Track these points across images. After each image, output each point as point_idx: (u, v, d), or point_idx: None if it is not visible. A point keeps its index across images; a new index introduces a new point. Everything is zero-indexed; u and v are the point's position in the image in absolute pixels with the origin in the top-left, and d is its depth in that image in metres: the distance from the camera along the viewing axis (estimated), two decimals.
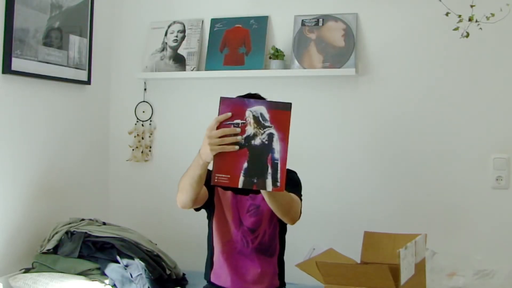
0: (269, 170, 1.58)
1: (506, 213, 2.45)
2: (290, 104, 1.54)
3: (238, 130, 1.58)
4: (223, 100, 1.62)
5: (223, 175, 1.63)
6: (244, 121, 1.58)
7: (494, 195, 2.48)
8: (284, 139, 1.59)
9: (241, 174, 1.61)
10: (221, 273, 2.07)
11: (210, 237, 2.13)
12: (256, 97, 2.08)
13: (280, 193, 1.78)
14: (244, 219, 2.07)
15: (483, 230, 2.47)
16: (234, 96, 2.12)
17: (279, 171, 1.59)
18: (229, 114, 1.60)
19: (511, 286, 1.91)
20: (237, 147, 1.59)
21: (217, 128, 1.62)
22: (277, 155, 1.58)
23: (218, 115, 1.63)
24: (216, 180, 1.64)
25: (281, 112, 1.59)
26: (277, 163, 1.58)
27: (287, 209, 1.89)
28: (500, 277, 1.94)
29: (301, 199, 2.05)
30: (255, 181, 1.60)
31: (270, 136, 1.58)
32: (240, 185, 1.62)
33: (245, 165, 1.60)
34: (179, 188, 1.90)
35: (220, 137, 1.60)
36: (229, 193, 2.08)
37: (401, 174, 2.60)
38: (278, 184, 1.59)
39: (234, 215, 2.08)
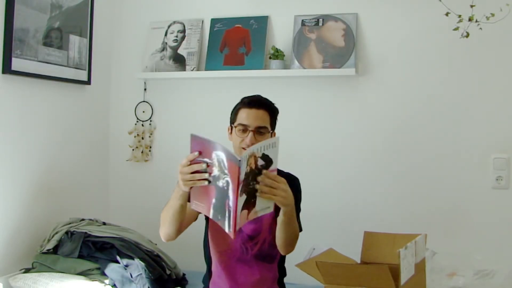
0: (226, 214, 1.59)
1: (506, 213, 2.45)
2: (240, 160, 1.53)
3: (204, 166, 1.60)
4: (193, 137, 1.64)
5: (199, 203, 1.68)
6: (211, 162, 1.58)
7: (494, 195, 2.48)
8: (235, 191, 1.55)
9: (211, 207, 1.64)
10: (219, 282, 2.05)
11: (207, 247, 2.10)
12: (255, 99, 2.04)
13: (291, 226, 1.84)
14: (243, 226, 2.04)
15: (483, 230, 2.47)
16: (234, 95, 2.12)
17: (231, 219, 1.57)
18: (197, 154, 1.62)
19: (511, 286, 1.91)
20: (206, 182, 1.62)
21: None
22: (231, 203, 1.56)
23: (190, 152, 1.67)
24: (193, 206, 1.71)
25: (233, 165, 1.54)
26: (231, 211, 1.57)
27: (289, 243, 1.93)
28: (500, 277, 1.94)
29: (299, 215, 2.03)
30: (219, 218, 1.62)
31: (227, 183, 1.57)
32: (210, 216, 1.66)
33: (213, 200, 1.63)
34: (162, 221, 1.90)
35: (191, 173, 1.65)
36: None
37: (401, 174, 2.60)
38: (231, 229, 1.58)
39: None
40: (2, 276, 2.30)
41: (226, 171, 1.56)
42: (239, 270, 2.03)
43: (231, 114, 2.07)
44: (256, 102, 2.02)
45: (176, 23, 2.95)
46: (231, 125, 2.05)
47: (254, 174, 1.60)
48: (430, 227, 2.24)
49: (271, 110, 2.04)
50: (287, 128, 2.70)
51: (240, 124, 1.98)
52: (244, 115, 1.99)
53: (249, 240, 2.03)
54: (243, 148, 1.95)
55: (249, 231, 2.03)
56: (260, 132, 1.97)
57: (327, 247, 1.98)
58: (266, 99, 2.06)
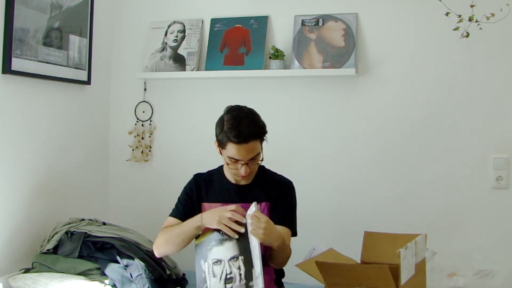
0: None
1: (506, 213, 2.45)
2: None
3: (244, 221, 1.85)
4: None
5: None
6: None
7: (494, 195, 2.47)
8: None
9: None
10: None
11: None
12: (241, 135, 1.90)
13: (281, 254, 1.96)
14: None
15: (483, 230, 2.47)
16: (234, 95, 2.12)
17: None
18: (242, 210, 1.86)
19: (511, 286, 1.91)
20: (236, 236, 1.85)
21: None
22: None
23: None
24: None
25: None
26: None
27: (280, 264, 2.05)
28: (500, 277, 1.94)
29: (295, 224, 2.07)
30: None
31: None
32: None
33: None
34: (164, 237, 1.94)
35: (229, 218, 1.84)
36: (218, 205, 2.03)
37: (401, 174, 2.60)
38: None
39: None
40: (2, 276, 2.30)
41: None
42: None
43: (217, 135, 1.96)
44: (243, 138, 1.89)
45: (176, 23, 2.95)
46: (219, 146, 1.98)
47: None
48: (430, 227, 2.24)
49: (259, 136, 1.95)
50: (287, 128, 2.72)
51: (230, 158, 1.94)
52: (234, 151, 1.91)
53: None
54: (242, 176, 1.97)
55: None
56: (252, 160, 1.95)
57: (327, 247, 1.98)
58: (252, 126, 1.93)
